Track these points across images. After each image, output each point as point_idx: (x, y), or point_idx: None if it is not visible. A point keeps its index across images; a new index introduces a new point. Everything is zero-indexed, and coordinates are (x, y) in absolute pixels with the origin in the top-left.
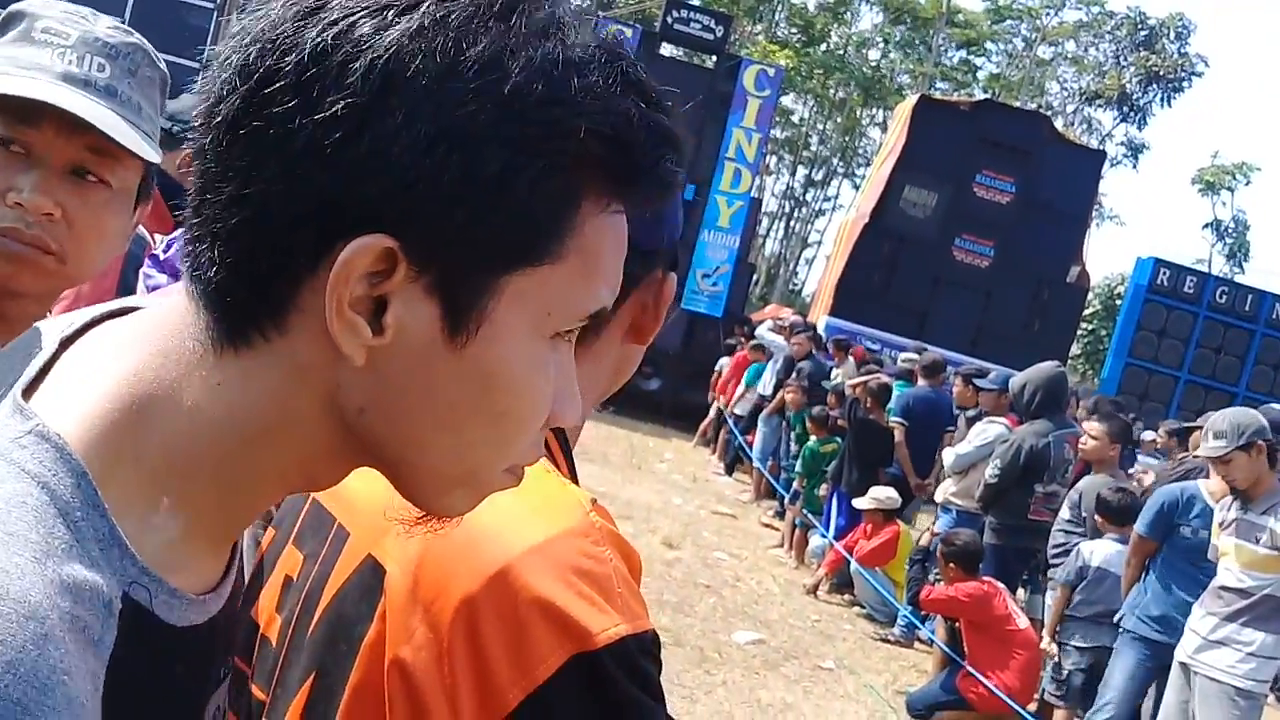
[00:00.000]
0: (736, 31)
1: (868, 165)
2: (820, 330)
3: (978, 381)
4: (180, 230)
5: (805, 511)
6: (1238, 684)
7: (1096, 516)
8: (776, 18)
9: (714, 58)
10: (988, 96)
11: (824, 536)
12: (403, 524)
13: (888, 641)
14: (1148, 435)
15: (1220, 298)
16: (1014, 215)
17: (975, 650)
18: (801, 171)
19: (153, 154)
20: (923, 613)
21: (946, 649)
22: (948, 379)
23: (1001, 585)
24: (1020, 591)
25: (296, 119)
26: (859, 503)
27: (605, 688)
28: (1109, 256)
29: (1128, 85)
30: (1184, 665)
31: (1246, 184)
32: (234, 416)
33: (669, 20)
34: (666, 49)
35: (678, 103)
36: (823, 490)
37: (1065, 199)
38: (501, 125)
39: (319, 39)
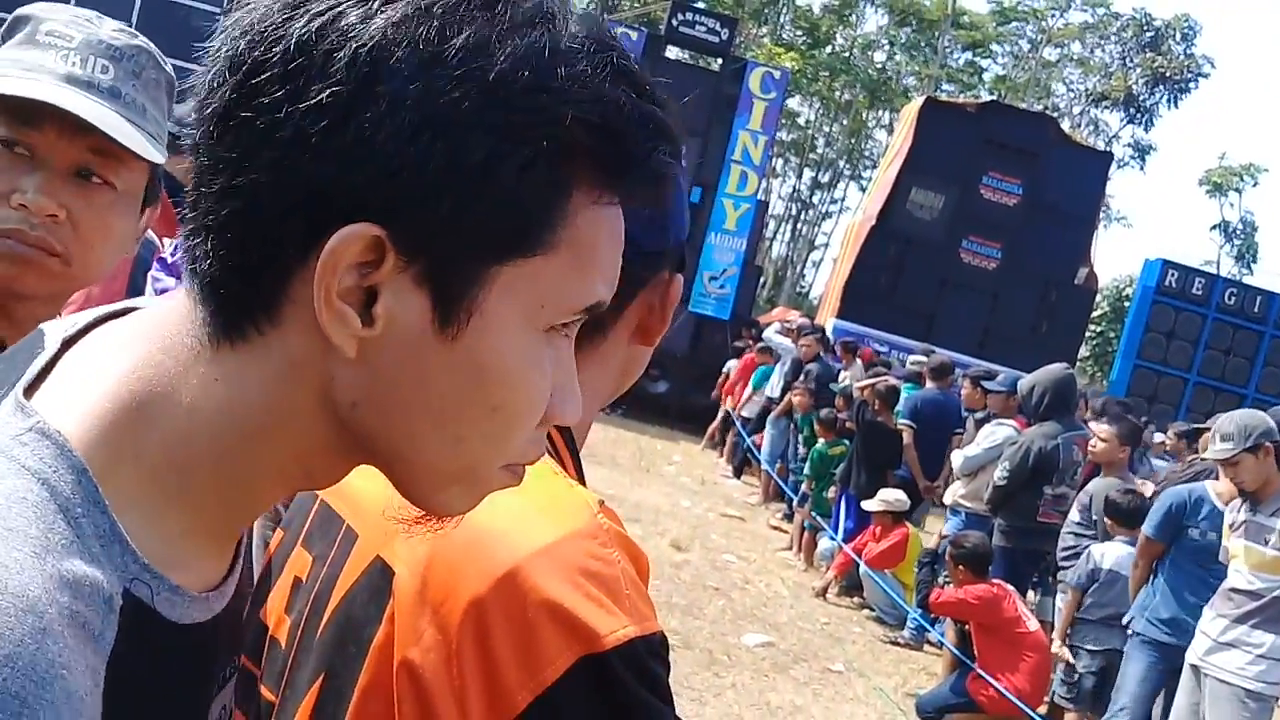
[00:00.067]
0: (742, 34)
1: (874, 167)
2: (828, 333)
3: (986, 384)
4: None
5: (814, 514)
6: (1248, 686)
7: (1106, 519)
8: (782, 20)
9: (719, 60)
10: (994, 98)
11: (833, 539)
12: (402, 523)
13: (897, 644)
14: (1157, 437)
15: (1229, 299)
16: (1021, 217)
17: (985, 653)
18: (808, 174)
19: (157, 155)
20: (932, 615)
21: (956, 651)
22: (956, 381)
23: (1011, 588)
24: (1031, 594)
25: (284, 108)
26: (868, 505)
27: (613, 689)
28: (1117, 258)
29: (1134, 87)
30: (1195, 667)
31: (1254, 185)
32: (232, 412)
33: (674, 23)
34: (672, 52)
35: (682, 105)
36: (831, 493)
37: (1072, 201)
38: (486, 112)
39: (305, 29)
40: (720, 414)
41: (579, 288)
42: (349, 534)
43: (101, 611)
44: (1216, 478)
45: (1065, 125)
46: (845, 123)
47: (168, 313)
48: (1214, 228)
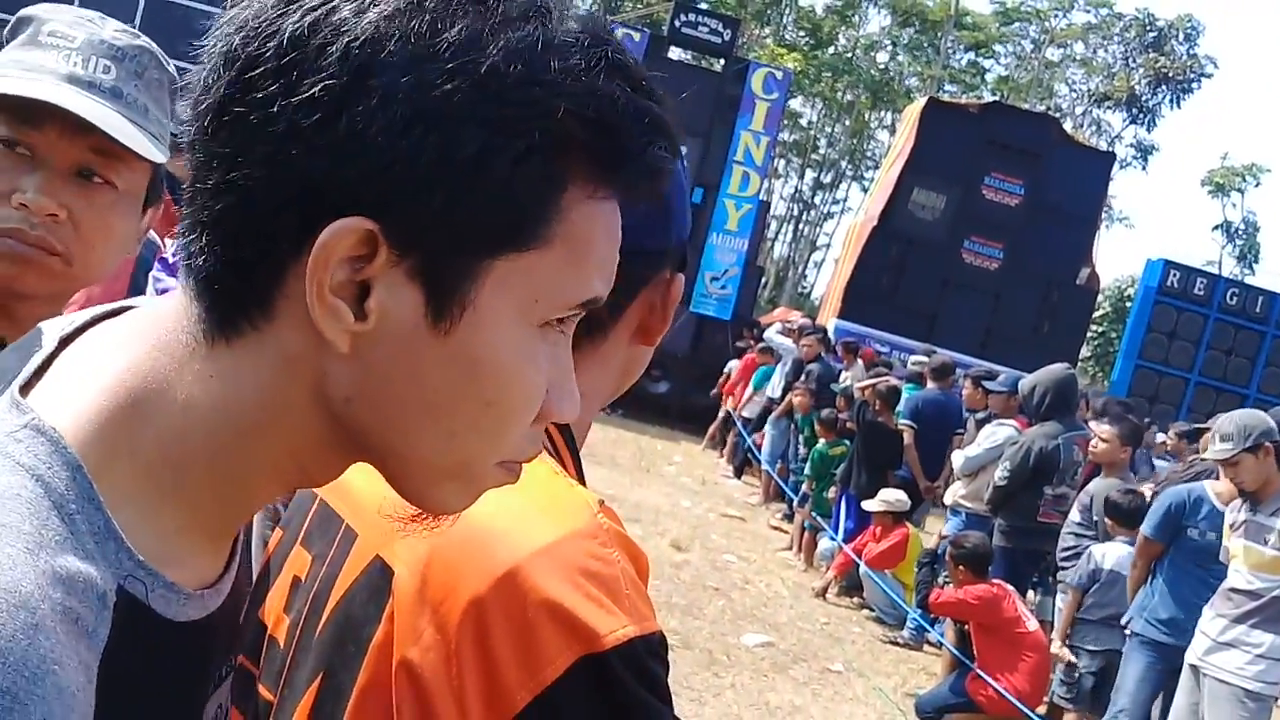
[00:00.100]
0: (744, 35)
1: (876, 168)
2: (829, 333)
3: (987, 384)
4: None
5: (814, 514)
6: (1247, 686)
7: (1106, 519)
8: (784, 21)
9: (722, 61)
10: (996, 99)
11: (833, 539)
12: (398, 521)
13: (897, 644)
14: (1158, 437)
15: (1230, 299)
16: (1023, 217)
17: (985, 653)
18: (810, 174)
19: (158, 155)
20: (932, 615)
21: (956, 652)
22: (957, 381)
23: (1011, 588)
24: (1031, 594)
25: (277, 103)
26: (868, 505)
27: (613, 689)
28: (1119, 258)
29: (1136, 87)
30: (1194, 667)
31: (1256, 185)
32: (227, 408)
33: (677, 24)
34: (675, 52)
35: (685, 105)
36: (831, 493)
37: (1074, 201)
38: (478, 106)
39: (299, 24)
40: (721, 414)
41: (574, 283)
42: (348, 533)
43: (95, 608)
44: (1217, 478)
45: (1068, 126)
46: (847, 123)
47: (164, 310)
48: (1216, 228)
